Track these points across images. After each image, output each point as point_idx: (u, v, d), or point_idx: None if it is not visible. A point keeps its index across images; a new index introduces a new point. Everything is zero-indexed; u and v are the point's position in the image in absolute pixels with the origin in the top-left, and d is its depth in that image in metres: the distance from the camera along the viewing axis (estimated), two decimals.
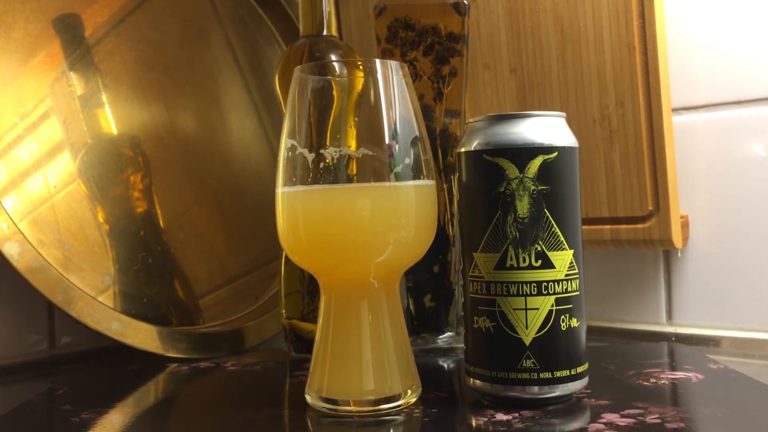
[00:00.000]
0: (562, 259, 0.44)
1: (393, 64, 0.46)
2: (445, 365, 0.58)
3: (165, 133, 0.72)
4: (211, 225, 0.75)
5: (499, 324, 0.44)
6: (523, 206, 0.44)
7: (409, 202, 0.45)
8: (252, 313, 0.74)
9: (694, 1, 0.66)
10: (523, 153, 0.44)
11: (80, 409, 0.49)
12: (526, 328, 0.44)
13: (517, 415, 0.43)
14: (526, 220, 0.44)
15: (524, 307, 0.44)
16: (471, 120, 0.47)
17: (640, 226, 0.64)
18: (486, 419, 0.43)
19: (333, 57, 0.62)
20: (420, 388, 0.48)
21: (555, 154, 0.44)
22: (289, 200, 0.46)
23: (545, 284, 0.44)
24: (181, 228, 0.71)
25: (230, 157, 0.77)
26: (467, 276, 0.46)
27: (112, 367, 0.63)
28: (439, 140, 0.62)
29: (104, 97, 0.68)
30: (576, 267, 0.45)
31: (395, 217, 0.45)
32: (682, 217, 0.66)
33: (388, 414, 0.45)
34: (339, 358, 0.46)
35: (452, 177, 0.62)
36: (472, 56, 0.71)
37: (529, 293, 0.44)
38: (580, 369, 0.45)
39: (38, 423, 0.49)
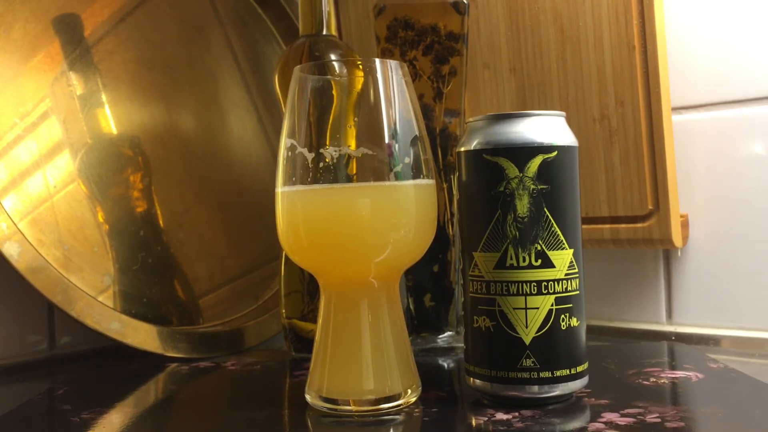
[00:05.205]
0: (562, 258, 0.44)
1: (392, 63, 0.46)
2: (445, 365, 0.58)
3: (165, 133, 0.72)
4: (211, 225, 0.75)
5: (499, 323, 0.44)
6: (522, 205, 0.44)
7: (408, 202, 0.45)
8: (252, 313, 0.74)
9: (694, 1, 0.66)
10: (523, 152, 0.44)
11: (80, 409, 0.49)
12: (526, 327, 0.44)
13: (517, 414, 0.43)
14: (525, 220, 0.44)
15: (524, 306, 0.44)
16: (471, 119, 0.47)
17: (639, 225, 0.64)
18: (486, 419, 0.43)
19: (332, 56, 0.62)
20: (420, 388, 0.48)
21: (555, 153, 0.44)
22: (289, 200, 0.46)
23: (545, 283, 0.44)
24: (181, 228, 0.71)
25: (230, 157, 0.77)
26: (467, 275, 0.46)
27: (112, 367, 0.63)
28: (438, 140, 0.62)
29: (104, 97, 0.68)
30: (576, 266, 0.45)
31: (395, 216, 0.45)
32: (681, 216, 0.66)
33: (388, 413, 0.45)
34: (339, 357, 0.46)
35: (452, 176, 0.62)
36: (472, 56, 0.71)
37: (529, 293, 0.44)
38: (580, 368, 0.45)
39: (38, 423, 0.49)
